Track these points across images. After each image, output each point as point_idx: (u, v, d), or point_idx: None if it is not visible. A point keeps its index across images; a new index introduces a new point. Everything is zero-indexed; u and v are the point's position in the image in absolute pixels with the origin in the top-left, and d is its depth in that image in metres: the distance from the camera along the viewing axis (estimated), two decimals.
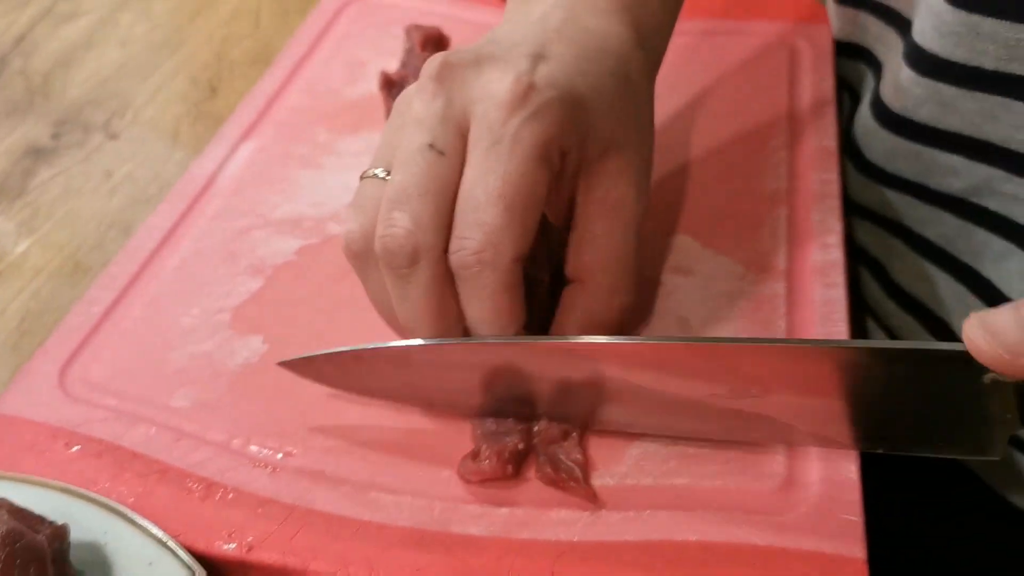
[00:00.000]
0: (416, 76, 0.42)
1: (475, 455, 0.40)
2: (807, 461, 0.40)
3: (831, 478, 0.39)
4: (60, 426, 0.43)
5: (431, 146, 0.38)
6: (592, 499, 0.39)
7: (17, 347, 0.49)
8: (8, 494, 0.36)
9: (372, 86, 0.63)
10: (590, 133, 0.41)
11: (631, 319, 0.46)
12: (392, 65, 0.64)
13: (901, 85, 0.54)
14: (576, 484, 0.39)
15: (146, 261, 0.52)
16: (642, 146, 0.44)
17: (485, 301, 0.38)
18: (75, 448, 0.42)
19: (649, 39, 0.47)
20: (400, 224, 0.38)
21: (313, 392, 0.44)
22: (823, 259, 0.49)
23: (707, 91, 0.62)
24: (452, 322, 0.40)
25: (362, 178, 0.42)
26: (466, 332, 0.41)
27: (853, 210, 0.63)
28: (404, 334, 0.41)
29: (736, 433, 0.40)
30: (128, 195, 0.59)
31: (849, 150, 0.61)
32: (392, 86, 0.59)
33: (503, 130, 0.38)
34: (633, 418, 0.41)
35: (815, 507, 0.38)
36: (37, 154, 0.62)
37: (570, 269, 0.42)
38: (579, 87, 0.41)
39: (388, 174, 0.40)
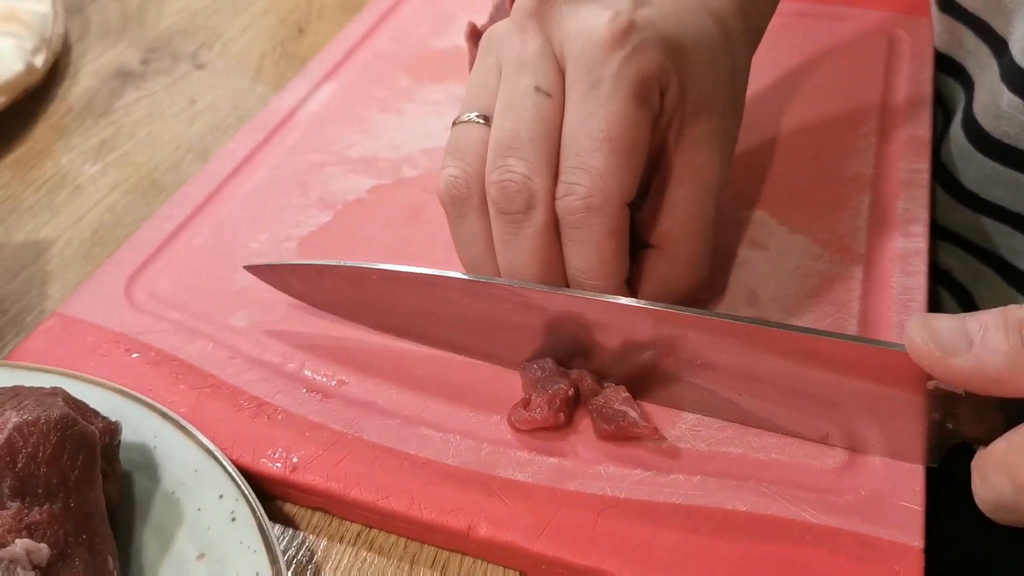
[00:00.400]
0: None
1: (526, 404, 0.39)
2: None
3: (895, 463, 0.37)
4: (122, 332, 0.43)
5: (538, 88, 0.37)
6: (654, 434, 0.38)
7: (89, 255, 0.49)
8: (66, 388, 0.36)
9: (458, 39, 0.63)
10: (687, 84, 0.39)
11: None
12: (480, 20, 0.64)
13: (1001, 109, 0.51)
14: (633, 425, 0.38)
15: (221, 184, 0.52)
16: (733, 114, 0.43)
17: (590, 248, 0.37)
18: (134, 355, 0.43)
19: (751, 10, 0.45)
20: (516, 170, 0.37)
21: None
22: (905, 247, 0.47)
23: (799, 71, 0.60)
24: (557, 270, 0.39)
25: (456, 123, 0.41)
26: (564, 282, 0.40)
27: (941, 234, 0.60)
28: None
29: (790, 425, 0.39)
30: (208, 123, 0.59)
31: (939, 172, 0.58)
32: (479, 38, 0.59)
33: (603, 70, 0.36)
34: (687, 393, 0.40)
35: (875, 491, 0.37)
36: (125, 77, 0.63)
37: (650, 233, 0.41)
38: (679, 35, 0.39)
39: (483, 118, 0.39)
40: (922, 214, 0.49)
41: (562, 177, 0.37)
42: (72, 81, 0.62)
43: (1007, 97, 0.51)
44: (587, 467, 0.38)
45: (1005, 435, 0.32)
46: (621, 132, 0.36)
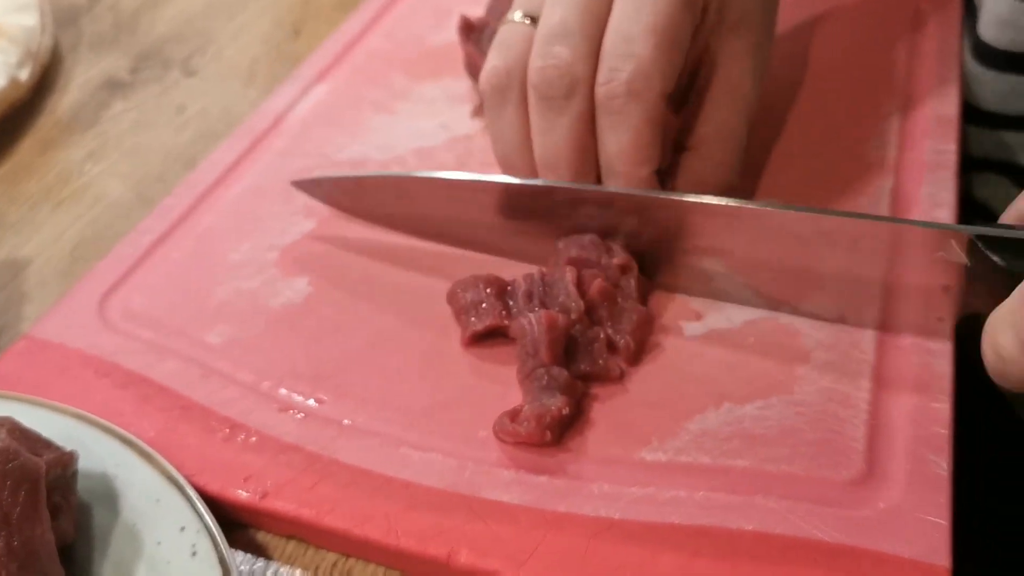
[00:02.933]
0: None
1: (514, 415, 0.36)
2: (891, 452, 0.35)
3: (918, 472, 0.34)
4: (93, 354, 0.41)
5: None
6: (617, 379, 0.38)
7: (67, 273, 0.47)
8: (21, 415, 0.34)
9: (455, 34, 0.60)
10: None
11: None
12: (477, 14, 0.61)
13: (1003, 17, 0.52)
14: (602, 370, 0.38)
15: (203, 194, 0.50)
16: (769, 31, 0.45)
17: (628, 133, 0.39)
18: (104, 378, 0.40)
19: None
20: (562, 56, 0.39)
21: (353, 339, 0.41)
22: None
23: (816, 48, 0.56)
24: (591, 159, 0.41)
25: (503, 23, 0.43)
26: (598, 174, 0.42)
27: (969, 165, 0.58)
28: (527, 173, 0.43)
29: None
30: (197, 131, 0.57)
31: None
32: (472, 31, 0.56)
33: None
34: (702, 279, 0.41)
35: (896, 505, 0.33)
36: (114, 87, 0.61)
37: (687, 138, 0.43)
38: None
39: (530, 19, 0.42)
40: (948, 198, 0.45)
41: (605, 63, 0.39)
42: (61, 94, 0.61)
43: (1007, 2, 0.52)
44: (580, 486, 0.35)
45: (1015, 292, 0.30)
46: (668, 26, 0.39)
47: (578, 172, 0.41)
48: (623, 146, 0.40)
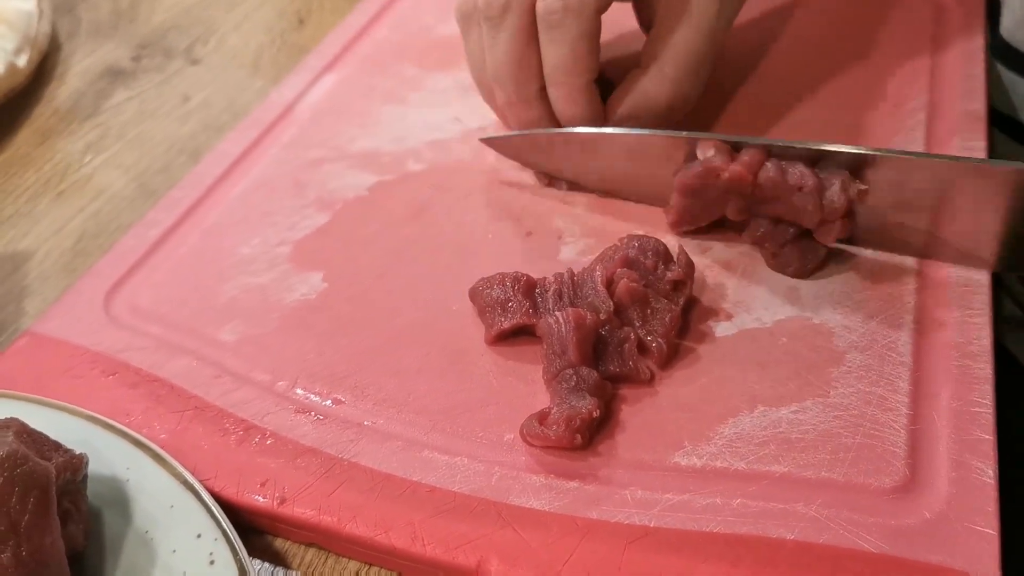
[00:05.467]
0: None
1: (543, 417, 0.35)
2: (933, 458, 0.34)
3: (963, 480, 0.33)
4: (99, 351, 0.40)
5: None
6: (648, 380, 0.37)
7: (69, 267, 0.46)
8: (30, 417, 0.33)
9: None
10: None
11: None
12: None
13: None
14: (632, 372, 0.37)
15: (211, 186, 0.48)
16: None
17: (566, 47, 0.42)
18: (111, 376, 0.39)
19: None
20: None
21: (371, 336, 0.40)
22: None
23: (839, 44, 0.55)
24: (530, 71, 0.44)
25: None
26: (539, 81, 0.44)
27: None
28: (488, 90, 0.47)
29: None
30: (201, 121, 0.55)
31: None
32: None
33: None
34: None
35: (942, 513, 0.32)
36: (115, 75, 0.60)
37: (640, 60, 0.45)
38: None
39: None
40: None
41: None
42: (59, 82, 0.59)
43: None
44: (612, 491, 0.33)
45: None
46: None
47: (519, 84, 0.44)
48: (562, 58, 0.42)
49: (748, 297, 0.40)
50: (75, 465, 0.31)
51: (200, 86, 0.58)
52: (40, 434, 0.32)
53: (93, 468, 0.33)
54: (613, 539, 0.32)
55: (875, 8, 0.58)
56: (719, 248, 0.43)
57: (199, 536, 0.31)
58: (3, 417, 0.32)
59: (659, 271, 0.39)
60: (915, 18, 0.56)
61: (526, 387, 0.37)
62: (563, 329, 0.37)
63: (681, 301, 0.39)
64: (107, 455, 0.34)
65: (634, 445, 0.35)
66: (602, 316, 0.37)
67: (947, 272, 0.40)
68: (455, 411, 0.37)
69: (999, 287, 0.51)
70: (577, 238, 0.44)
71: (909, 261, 0.41)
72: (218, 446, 0.36)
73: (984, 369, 0.36)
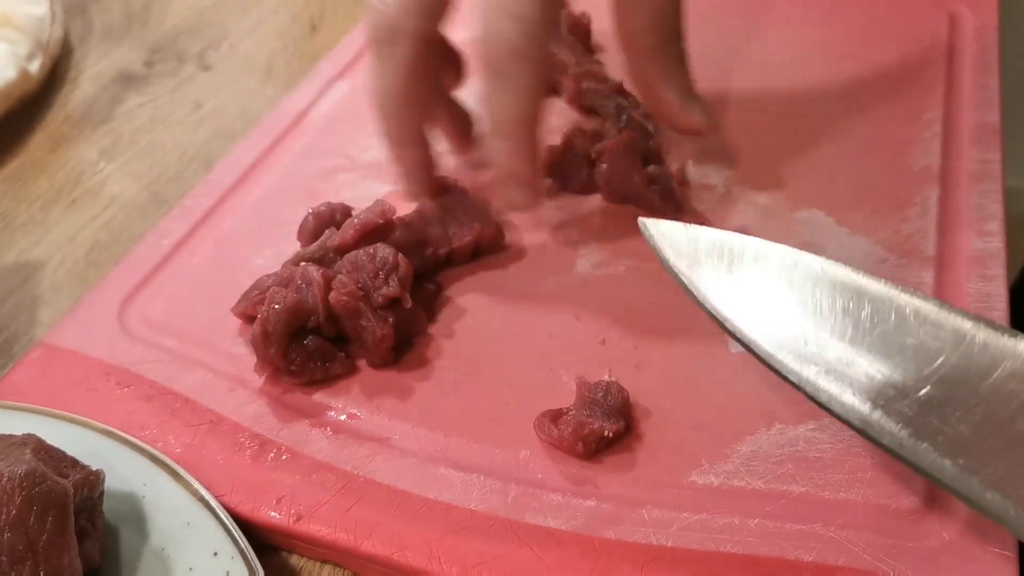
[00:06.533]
0: None
1: (556, 416, 0.35)
2: None
3: None
4: (113, 364, 0.40)
5: None
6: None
7: (82, 277, 0.46)
8: (44, 431, 0.33)
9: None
10: None
11: None
12: None
13: None
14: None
15: (224, 195, 0.48)
16: None
17: (516, 94, 0.36)
18: (126, 389, 0.39)
19: None
20: (388, 1, 0.37)
21: None
22: (982, 247, 0.42)
23: (853, 55, 0.55)
24: (418, 107, 0.40)
25: None
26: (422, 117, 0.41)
27: None
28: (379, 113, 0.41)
29: None
30: (214, 128, 0.55)
31: None
32: None
33: None
34: None
35: (961, 535, 0.32)
36: (128, 81, 0.59)
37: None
38: None
39: None
40: (997, 210, 0.44)
41: (487, 20, 0.35)
42: (72, 87, 0.59)
43: None
44: (629, 511, 0.33)
45: None
46: None
47: (404, 121, 0.40)
48: (510, 111, 0.37)
49: None
50: (92, 482, 0.31)
51: (212, 92, 0.58)
52: (57, 450, 0.32)
53: (109, 484, 0.33)
54: (630, 559, 0.32)
55: (890, 19, 0.57)
56: None
57: (216, 554, 0.31)
58: (19, 432, 0.32)
59: (378, 281, 0.39)
60: (930, 29, 0.56)
61: (542, 403, 0.37)
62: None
63: (391, 320, 0.38)
64: (123, 471, 0.34)
65: (651, 463, 0.35)
66: (310, 323, 0.38)
67: (965, 290, 0.40)
68: (470, 427, 0.36)
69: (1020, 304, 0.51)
70: (592, 250, 0.44)
71: (927, 275, 0.41)
72: (233, 461, 0.36)
73: None
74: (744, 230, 0.42)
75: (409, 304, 0.39)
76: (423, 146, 0.42)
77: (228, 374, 0.39)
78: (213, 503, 0.33)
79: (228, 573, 0.31)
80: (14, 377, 0.39)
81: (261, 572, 0.31)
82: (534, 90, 0.36)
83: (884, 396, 0.31)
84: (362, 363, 0.39)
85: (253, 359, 0.39)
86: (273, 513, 0.34)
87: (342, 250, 0.40)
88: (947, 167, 0.46)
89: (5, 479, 0.28)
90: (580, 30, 0.55)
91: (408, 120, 0.40)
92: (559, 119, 0.51)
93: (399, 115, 0.40)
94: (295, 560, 0.34)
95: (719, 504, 0.33)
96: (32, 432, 0.32)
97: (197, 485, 0.33)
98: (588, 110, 0.51)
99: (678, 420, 0.36)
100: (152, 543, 0.32)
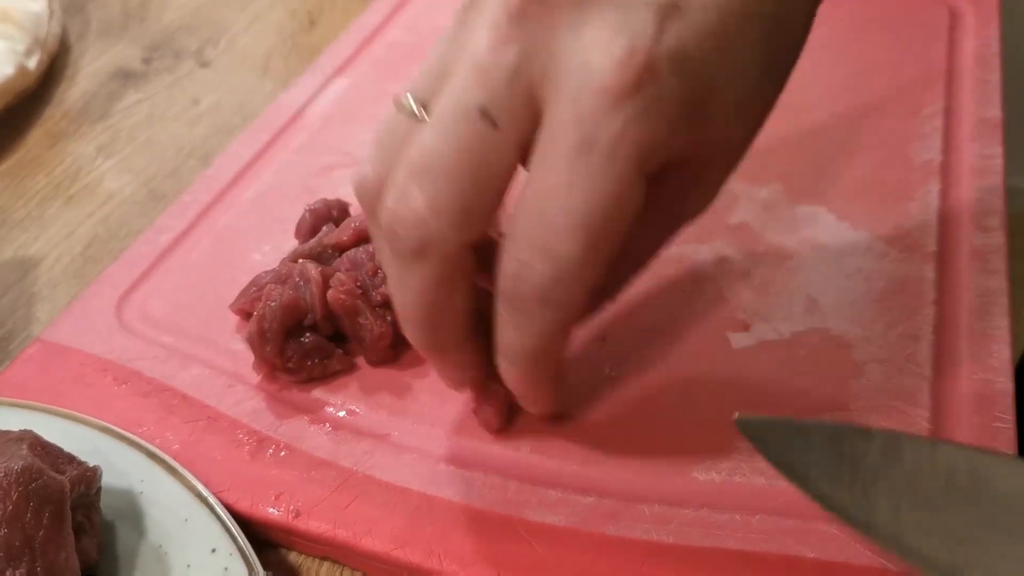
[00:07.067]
0: None
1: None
2: None
3: None
4: (111, 360, 0.39)
5: (484, 112, 0.27)
6: None
7: (80, 273, 0.45)
8: (41, 427, 0.32)
9: None
10: (706, 135, 0.29)
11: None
12: None
13: None
14: None
15: (222, 191, 0.48)
16: (754, 135, 0.32)
17: (533, 340, 0.30)
18: (123, 385, 0.38)
19: None
20: (414, 204, 0.28)
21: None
22: (983, 242, 0.42)
23: (853, 50, 0.55)
24: (449, 327, 0.32)
25: (395, 101, 0.30)
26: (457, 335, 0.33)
27: None
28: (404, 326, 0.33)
29: None
30: (212, 124, 0.55)
31: None
32: None
33: (600, 128, 0.26)
34: None
35: None
36: (126, 77, 0.59)
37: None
38: (714, 67, 0.27)
39: (425, 107, 0.29)
40: (998, 204, 0.44)
41: (514, 249, 0.28)
42: (69, 83, 0.59)
43: None
44: (629, 507, 0.33)
45: None
46: (607, 217, 0.27)
47: (436, 333, 0.32)
48: (525, 349, 0.30)
49: (765, 308, 0.40)
50: (89, 478, 0.31)
51: (210, 88, 0.58)
52: (54, 446, 0.31)
53: (106, 480, 0.32)
54: (630, 555, 0.32)
55: (891, 13, 0.57)
56: (737, 258, 0.42)
57: (214, 551, 0.31)
58: (16, 428, 0.32)
59: (376, 279, 0.38)
60: (930, 23, 0.56)
61: None
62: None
63: (389, 318, 0.38)
64: (120, 467, 0.34)
65: (652, 458, 0.35)
66: (307, 321, 0.38)
67: (967, 285, 0.40)
68: (470, 423, 0.36)
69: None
70: None
71: (927, 269, 0.41)
72: (231, 457, 0.35)
73: (1005, 384, 0.36)
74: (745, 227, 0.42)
75: None
76: (462, 350, 0.33)
77: (226, 370, 0.39)
78: (211, 499, 0.32)
79: (226, 570, 0.31)
80: (11, 373, 0.39)
81: (259, 569, 0.30)
82: (556, 335, 0.30)
83: None
84: (361, 360, 0.39)
85: (251, 356, 0.39)
86: (271, 509, 0.34)
87: (340, 249, 0.40)
88: (948, 162, 0.46)
89: (1, 475, 0.28)
90: None
91: (441, 330, 0.32)
92: None
93: (429, 329, 0.32)
94: (294, 557, 0.34)
95: (720, 500, 0.33)
96: (29, 428, 0.32)
97: (195, 481, 0.33)
98: None
99: (679, 416, 0.36)
100: (149, 540, 0.32)
